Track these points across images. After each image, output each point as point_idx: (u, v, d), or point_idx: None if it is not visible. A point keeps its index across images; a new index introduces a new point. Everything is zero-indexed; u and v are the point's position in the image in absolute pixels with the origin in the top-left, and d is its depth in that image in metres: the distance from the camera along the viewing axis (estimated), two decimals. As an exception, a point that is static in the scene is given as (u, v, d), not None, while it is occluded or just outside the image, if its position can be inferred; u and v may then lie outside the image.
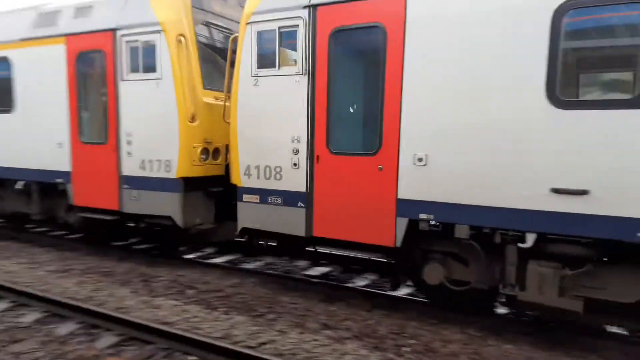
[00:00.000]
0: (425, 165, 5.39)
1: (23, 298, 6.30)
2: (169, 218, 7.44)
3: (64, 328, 5.57)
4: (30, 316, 5.90)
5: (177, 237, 8.45)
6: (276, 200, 6.44)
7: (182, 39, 7.23)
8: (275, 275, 7.76)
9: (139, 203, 7.65)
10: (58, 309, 5.96)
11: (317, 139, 6.06)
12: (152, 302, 6.39)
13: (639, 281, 4.76)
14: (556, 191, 4.76)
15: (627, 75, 4.85)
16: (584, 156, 4.61)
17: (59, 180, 8.43)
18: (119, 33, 7.56)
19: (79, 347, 5.11)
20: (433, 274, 5.77)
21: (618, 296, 4.89)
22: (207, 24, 7.74)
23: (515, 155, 4.92)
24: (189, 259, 8.30)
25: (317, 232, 6.19)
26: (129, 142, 7.65)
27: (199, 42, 7.50)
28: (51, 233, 9.97)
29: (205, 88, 7.46)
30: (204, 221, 7.71)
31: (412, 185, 5.48)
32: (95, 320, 5.67)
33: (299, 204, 6.26)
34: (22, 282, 7.08)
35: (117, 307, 6.20)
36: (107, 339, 5.31)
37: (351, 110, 6.46)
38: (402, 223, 5.57)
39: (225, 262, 8.50)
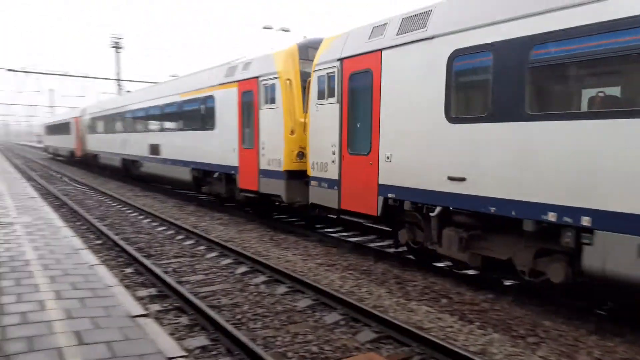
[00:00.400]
0: (390, 161, 7.99)
1: (298, 285, 7.20)
2: (279, 196, 11.04)
3: (330, 317, 6.14)
4: (303, 302, 6.68)
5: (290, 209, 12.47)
6: (324, 184, 9.61)
7: (289, 81, 10.79)
8: (536, 296, 7.06)
9: (266, 186, 11.49)
10: (326, 299, 6.61)
11: (343, 144, 9.04)
12: (407, 305, 6.53)
13: (508, 244, 6.59)
14: (450, 178, 6.88)
15: (481, 101, 6.59)
16: (463, 154, 6.69)
17: (232, 172, 12.91)
18: (260, 79, 11.59)
19: (343, 337, 5.55)
20: (402, 236, 8.32)
21: (498, 254, 6.76)
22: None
23: (429, 153, 7.22)
24: (441, 267, 8.24)
25: (343, 206, 9.17)
26: (262, 148, 11.59)
27: (302, 81, 10.79)
28: (320, 230, 11.20)
29: (304, 112, 10.60)
30: (301, 199, 10.85)
31: (384, 174, 8.11)
32: (356, 314, 6.08)
33: (334, 187, 9.33)
34: (298, 271, 8.12)
35: (375, 305, 6.54)
36: (366, 334, 5.63)
37: (358, 125, 8.77)
38: (380, 200, 8.20)
39: (475, 273, 8.15)
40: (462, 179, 6.68)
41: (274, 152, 11.11)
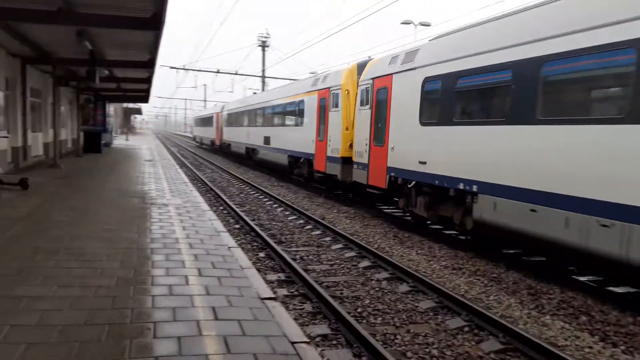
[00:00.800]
0: (394, 150, 11.50)
1: (421, 285, 7.08)
2: (336, 175, 15.10)
3: (454, 322, 5.94)
4: (425, 303, 6.55)
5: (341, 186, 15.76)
6: (360, 167, 13.34)
7: (347, 91, 14.84)
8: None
9: (330, 168, 15.65)
10: (449, 303, 6.41)
11: (371, 138, 12.66)
12: (540, 319, 6.07)
13: (450, 206, 9.75)
14: (419, 162, 10.29)
15: (435, 112, 9.99)
16: (426, 146, 10.13)
17: (310, 158, 17.53)
18: (330, 89, 15.86)
19: (466, 344, 5.35)
20: (400, 203, 11.79)
21: (445, 213, 9.98)
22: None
23: (410, 145, 10.75)
24: (582, 282, 7.49)
25: (370, 182, 12.77)
26: (329, 140, 15.65)
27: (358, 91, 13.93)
28: (445, 231, 10.87)
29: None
30: (350, 179, 14.19)
31: (391, 159, 11.63)
32: (482, 322, 5.81)
33: (365, 169, 12.99)
34: (421, 271, 7.99)
35: (503, 315, 6.18)
36: (492, 343, 5.35)
37: (379, 125, 12.28)
38: (387, 178, 11.76)
39: (625, 291, 7.27)
40: (425, 163, 10.21)
41: (335, 143, 15.20)
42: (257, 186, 18.08)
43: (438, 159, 9.75)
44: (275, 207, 13.98)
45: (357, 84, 13.97)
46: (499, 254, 9.10)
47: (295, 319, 5.58)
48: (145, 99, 34.07)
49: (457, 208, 9.48)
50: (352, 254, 8.91)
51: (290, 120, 20.30)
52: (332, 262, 8.39)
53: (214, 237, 7.37)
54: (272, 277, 7.32)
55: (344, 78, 15.04)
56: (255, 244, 9.42)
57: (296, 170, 19.43)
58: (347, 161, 14.36)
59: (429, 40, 11.12)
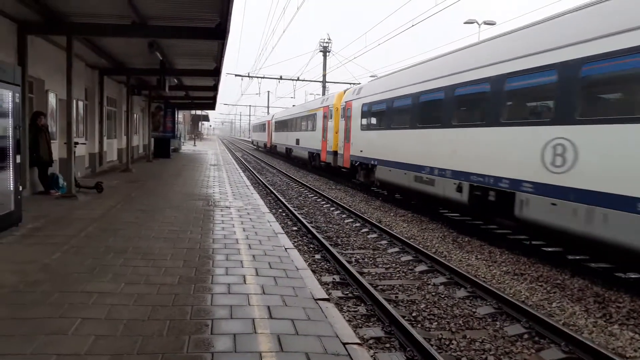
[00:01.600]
0: (353, 145, 19.16)
1: (480, 291, 6.91)
2: (330, 163, 23.18)
3: (513, 329, 5.76)
4: (483, 309, 6.39)
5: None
6: (339, 155, 21.48)
7: (336, 109, 22.08)
8: None
9: (328, 158, 23.16)
10: (509, 309, 6.22)
11: (345, 139, 20.50)
12: (608, 328, 5.76)
13: (370, 174, 17.39)
14: (360, 151, 18.31)
15: (367, 122, 17.99)
16: (362, 142, 18.16)
17: (319, 152, 25.50)
18: (329, 107, 23.67)
19: (525, 352, 5.18)
20: (358, 175, 19.01)
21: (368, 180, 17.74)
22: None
23: (357, 141, 18.86)
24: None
25: (344, 165, 20.79)
26: (328, 140, 23.55)
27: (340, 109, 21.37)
28: (510, 236, 10.51)
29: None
30: (339, 165, 20.86)
31: (352, 151, 19.24)
32: (543, 329, 5.60)
33: (342, 157, 21.20)
34: (480, 276, 7.79)
35: (566, 323, 5.92)
36: (553, 352, 5.15)
37: (348, 130, 20.04)
38: (351, 162, 19.55)
39: None
40: (362, 151, 17.82)
41: (330, 142, 22.91)
42: (316, 189, 18.30)
43: (366, 149, 17.65)
44: (333, 210, 14.10)
45: (341, 104, 21.64)
46: (564, 259, 8.69)
47: (348, 321, 5.64)
48: (211, 106, 35.47)
49: (372, 174, 17.13)
50: (409, 257, 8.83)
51: (309, 126, 28.35)
52: (388, 266, 8.36)
53: (272, 238, 7.58)
54: (327, 278, 7.41)
55: (335, 100, 22.93)
56: (311, 246, 9.57)
57: (314, 162, 27.10)
58: (335, 154, 22.29)
59: (368, 82, 20.36)
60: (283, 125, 38.04)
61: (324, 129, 24.27)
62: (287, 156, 36.12)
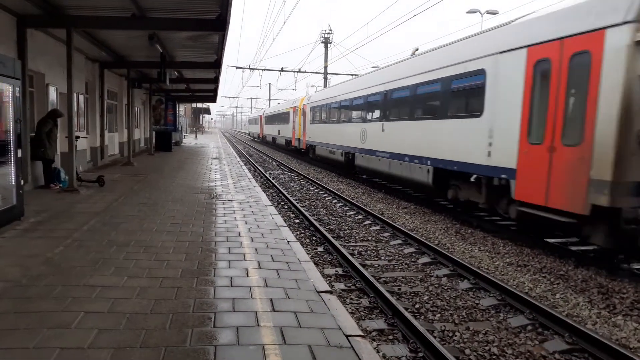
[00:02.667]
0: (307, 134, 28.86)
1: (483, 282, 6.89)
2: (296, 146, 33.23)
3: (516, 320, 5.75)
4: (487, 300, 6.38)
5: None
6: (301, 142, 32.21)
7: (301, 109, 30.80)
8: None
9: (295, 143, 33.70)
10: (512, 301, 6.21)
11: (304, 129, 30.31)
12: (611, 319, 5.75)
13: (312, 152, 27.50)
14: (309, 137, 28.11)
15: (314, 118, 27.29)
16: (311, 132, 27.82)
17: (299, 139, 32.16)
18: (296, 107, 33.00)
19: (528, 343, 5.17)
20: (312, 154, 27.49)
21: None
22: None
23: (309, 132, 28.24)
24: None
25: (303, 147, 30.61)
26: (295, 130, 33.90)
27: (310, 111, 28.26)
28: (513, 227, 10.49)
29: (311, 123, 27.87)
30: (301, 147, 30.68)
31: (307, 138, 28.72)
32: (546, 320, 5.59)
33: (301, 142, 32.16)
34: (484, 268, 7.77)
35: (569, 314, 5.91)
36: (556, 343, 5.14)
37: (305, 124, 30.20)
38: (307, 145, 28.91)
39: None
40: (310, 137, 27.67)
41: (297, 132, 31.60)
42: (318, 182, 18.27)
43: (312, 136, 26.65)
44: (335, 203, 14.08)
45: (301, 106, 30.03)
46: (567, 250, 8.67)
47: (351, 313, 5.65)
48: (213, 98, 35.37)
49: (313, 152, 26.44)
50: (412, 249, 8.82)
51: (284, 121, 37.38)
52: (391, 258, 8.35)
53: (274, 231, 7.56)
54: (330, 271, 7.41)
55: (299, 102, 31.28)
56: (314, 238, 9.56)
57: (289, 147, 35.28)
58: (300, 140, 30.68)
59: (315, 92, 29.08)
60: (271, 119, 47.29)
61: (297, 123, 32.51)
62: (273, 143, 45.74)
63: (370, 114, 17.33)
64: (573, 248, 8.81)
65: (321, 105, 25.17)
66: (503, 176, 9.31)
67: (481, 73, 10.19)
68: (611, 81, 7.03)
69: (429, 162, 12.47)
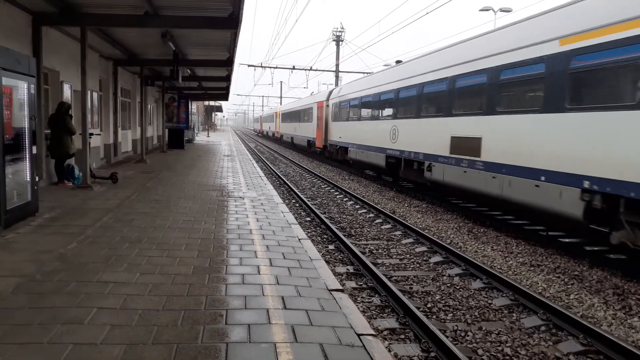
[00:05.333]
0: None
1: (495, 282, 6.82)
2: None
3: (529, 321, 5.68)
4: (499, 300, 6.31)
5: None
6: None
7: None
8: None
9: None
10: (525, 301, 6.13)
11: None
12: (628, 321, 5.66)
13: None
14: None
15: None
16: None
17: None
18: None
19: (542, 344, 5.11)
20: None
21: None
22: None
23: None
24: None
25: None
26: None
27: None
28: (527, 227, 10.38)
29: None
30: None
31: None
32: (560, 321, 5.52)
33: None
34: (496, 268, 7.70)
35: (584, 315, 5.83)
36: (571, 344, 5.07)
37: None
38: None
39: None
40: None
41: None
42: (329, 180, 18.26)
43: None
44: (346, 201, 14.05)
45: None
46: (582, 250, 8.55)
47: (362, 312, 5.62)
48: (225, 96, 35.50)
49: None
50: (423, 248, 8.76)
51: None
52: (402, 257, 8.31)
53: (285, 229, 7.56)
54: (341, 269, 7.39)
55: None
56: (325, 236, 9.54)
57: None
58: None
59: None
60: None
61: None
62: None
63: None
64: (587, 248, 8.69)
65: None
66: None
67: None
68: None
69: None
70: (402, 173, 15.44)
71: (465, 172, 11.06)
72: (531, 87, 9.37)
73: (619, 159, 7.00)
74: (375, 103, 18.21)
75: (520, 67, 9.34)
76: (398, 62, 19.42)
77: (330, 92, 26.90)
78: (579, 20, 7.99)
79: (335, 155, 24.81)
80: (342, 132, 22.98)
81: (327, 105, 26.22)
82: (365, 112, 19.80)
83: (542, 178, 8.53)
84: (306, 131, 32.66)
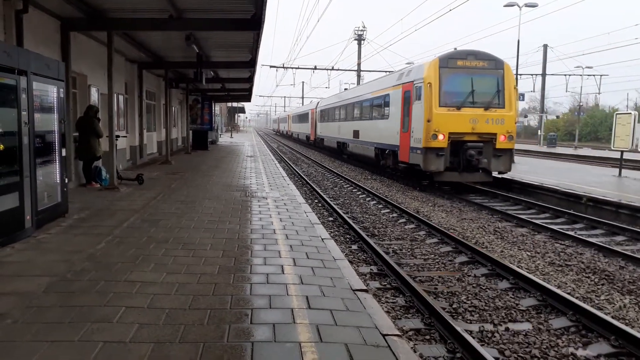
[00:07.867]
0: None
1: (523, 282, 6.70)
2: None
3: (558, 322, 5.57)
4: (527, 301, 6.19)
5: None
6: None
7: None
8: None
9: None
10: (554, 302, 6.01)
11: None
12: (660, 323, 5.49)
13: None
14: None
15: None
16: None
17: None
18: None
19: (571, 346, 5.00)
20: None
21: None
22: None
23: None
24: None
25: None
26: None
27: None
28: (554, 226, 10.17)
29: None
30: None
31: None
32: (590, 323, 5.39)
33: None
34: (524, 267, 7.57)
35: (615, 316, 5.69)
36: (601, 346, 4.95)
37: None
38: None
39: None
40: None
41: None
42: (351, 180, 18.22)
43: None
44: (369, 201, 14.00)
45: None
46: (612, 250, 8.34)
47: (387, 312, 5.59)
48: (247, 97, 35.80)
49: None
50: (448, 248, 8.67)
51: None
52: (427, 257, 8.24)
53: (308, 228, 7.57)
54: (365, 269, 7.36)
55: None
56: (348, 236, 9.53)
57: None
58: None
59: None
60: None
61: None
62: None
63: None
64: (618, 249, 8.47)
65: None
66: None
67: None
68: None
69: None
70: (345, 151, 27.88)
71: (356, 145, 24.17)
72: (367, 108, 22.48)
73: (381, 137, 19.32)
74: (332, 112, 31.06)
75: (367, 100, 22.21)
76: (345, 89, 36.20)
77: (318, 103, 38.77)
78: (372, 88, 22.05)
79: (319, 144, 37.06)
80: (320, 129, 36.10)
81: (315, 112, 38.36)
82: (329, 116, 32.01)
83: (368, 144, 21.27)
84: (306, 129, 44.41)
